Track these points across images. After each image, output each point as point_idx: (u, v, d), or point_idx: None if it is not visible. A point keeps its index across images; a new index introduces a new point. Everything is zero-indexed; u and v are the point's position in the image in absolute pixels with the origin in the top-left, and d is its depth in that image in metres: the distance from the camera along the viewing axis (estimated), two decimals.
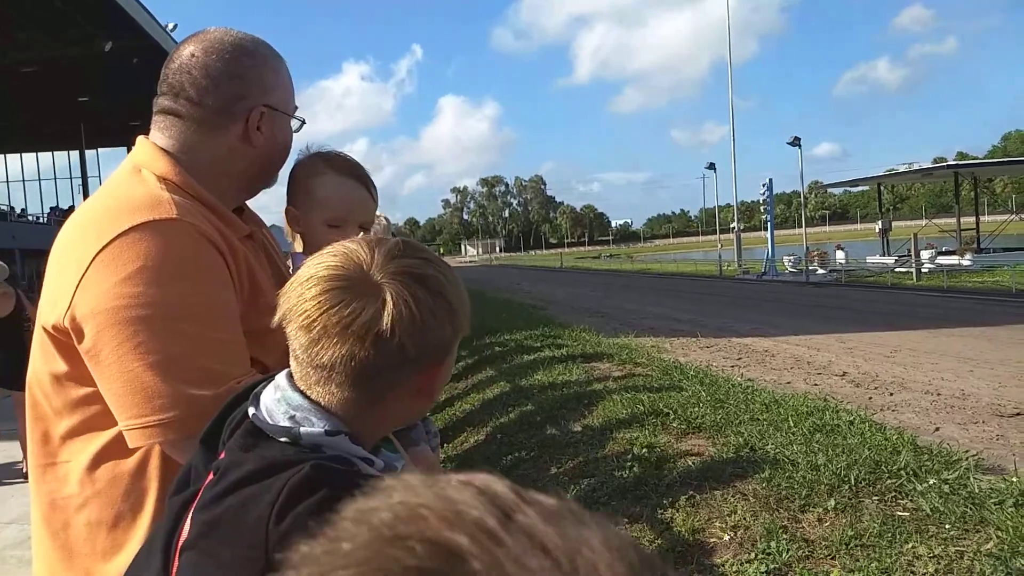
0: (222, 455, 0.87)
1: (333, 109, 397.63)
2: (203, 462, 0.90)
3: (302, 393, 0.84)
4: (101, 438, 1.16)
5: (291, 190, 1.46)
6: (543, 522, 0.36)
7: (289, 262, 1.54)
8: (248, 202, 1.47)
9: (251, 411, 0.86)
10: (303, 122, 1.41)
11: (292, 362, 0.86)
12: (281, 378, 0.88)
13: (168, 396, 1.07)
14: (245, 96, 1.27)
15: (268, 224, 1.63)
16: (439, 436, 3.61)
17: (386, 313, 0.79)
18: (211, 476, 0.86)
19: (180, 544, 0.83)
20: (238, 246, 1.25)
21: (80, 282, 1.10)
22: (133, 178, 1.24)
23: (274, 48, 1.35)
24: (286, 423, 0.83)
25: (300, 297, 0.81)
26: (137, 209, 1.14)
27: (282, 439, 0.82)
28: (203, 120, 1.26)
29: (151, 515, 1.14)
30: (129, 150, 1.35)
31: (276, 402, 0.85)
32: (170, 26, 21.74)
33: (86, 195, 33.47)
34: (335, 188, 1.47)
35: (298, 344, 0.82)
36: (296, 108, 1.39)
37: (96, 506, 1.16)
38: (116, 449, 1.15)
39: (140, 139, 1.31)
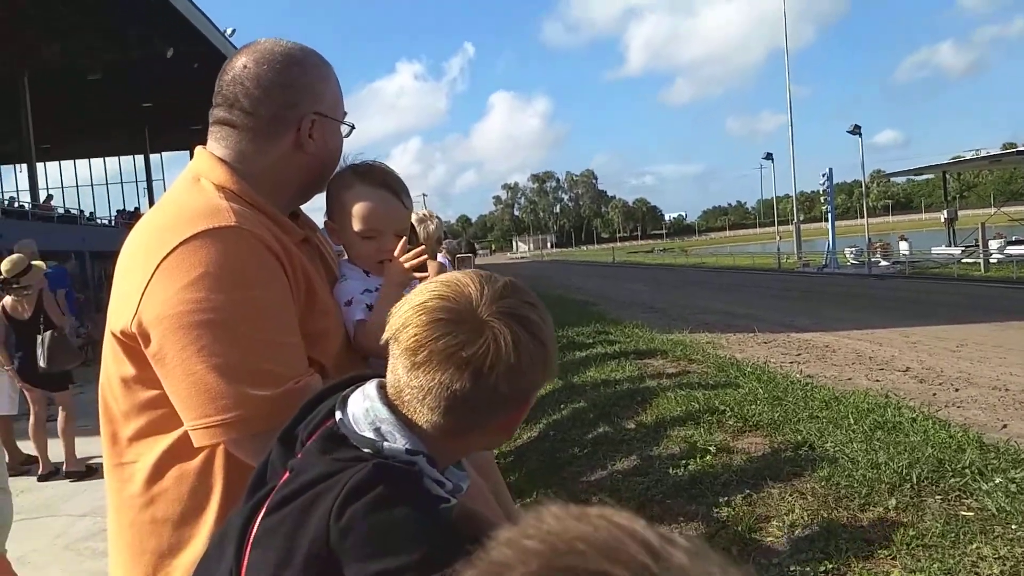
0: (299, 455, 0.92)
1: (387, 109, 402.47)
2: (280, 459, 0.95)
3: (391, 407, 0.90)
4: (166, 439, 1.22)
5: (328, 204, 1.51)
6: (688, 560, 0.41)
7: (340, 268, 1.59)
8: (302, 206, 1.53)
9: (338, 415, 0.91)
10: (352, 127, 1.46)
11: (389, 376, 0.91)
12: (371, 388, 0.92)
13: (231, 397, 1.13)
14: (296, 104, 1.33)
15: (321, 226, 1.69)
16: None
17: (488, 350, 0.83)
18: (286, 475, 0.91)
19: (251, 539, 0.89)
20: (294, 251, 1.31)
21: (146, 289, 1.16)
22: (193, 187, 1.31)
23: (322, 56, 1.41)
24: (370, 434, 0.88)
25: (410, 320, 0.86)
26: (197, 217, 1.20)
27: (365, 449, 0.87)
28: (257, 130, 1.32)
29: (216, 512, 1.20)
30: (191, 154, 1.42)
31: (364, 412, 0.90)
32: (228, 31, 22.35)
33: (151, 198, 34.62)
34: (365, 200, 1.49)
35: (401, 363, 0.87)
36: (346, 114, 1.44)
37: (162, 504, 1.22)
38: (181, 449, 1.21)
39: (198, 149, 1.38)
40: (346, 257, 1.56)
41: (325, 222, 1.53)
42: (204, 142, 1.38)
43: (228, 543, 0.92)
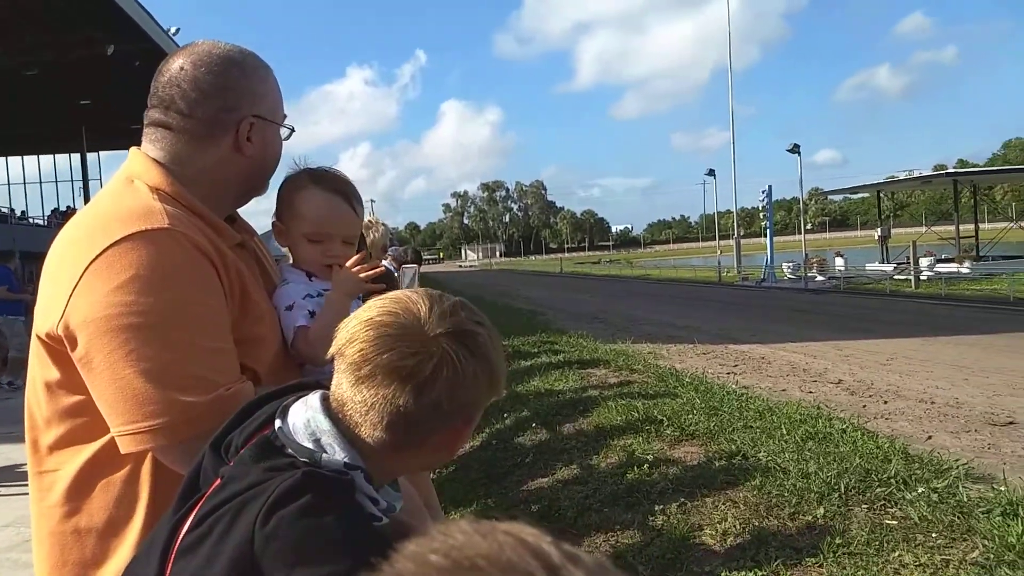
0: (231, 463, 0.90)
1: (337, 114, 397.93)
2: (212, 467, 0.93)
3: (333, 420, 0.88)
4: (90, 448, 1.18)
5: (278, 204, 1.49)
6: None
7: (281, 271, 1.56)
8: (243, 209, 1.49)
9: (278, 423, 0.89)
10: (292, 130, 1.44)
11: (333, 389, 0.90)
12: (314, 399, 0.91)
13: (159, 403, 1.10)
14: (235, 108, 1.31)
15: (262, 231, 1.66)
16: None
17: (432, 367, 0.83)
18: (217, 482, 0.89)
19: (176, 547, 0.86)
20: (229, 255, 1.28)
21: (73, 291, 1.12)
22: (126, 189, 1.27)
23: (261, 58, 1.39)
24: (309, 445, 0.86)
25: (357, 335, 0.86)
26: (129, 219, 1.17)
27: (301, 459, 0.85)
28: (194, 132, 1.30)
29: (143, 522, 1.16)
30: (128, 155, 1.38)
31: (305, 422, 0.88)
32: (172, 30, 21.78)
33: (87, 198, 33.42)
34: (316, 203, 1.48)
35: (345, 377, 0.87)
36: (285, 116, 1.42)
37: (86, 514, 1.18)
38: (107, 457, 1.17)
39: (132, 150, 1.34)
40: (290, 261, 1.53)
41: (273, 222, 1.51)
42: (141, 143, 1.34)
43: (154, 552, 0.89)
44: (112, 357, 1.10)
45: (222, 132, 1.30)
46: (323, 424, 0.87)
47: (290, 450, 0.86)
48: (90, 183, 35.11)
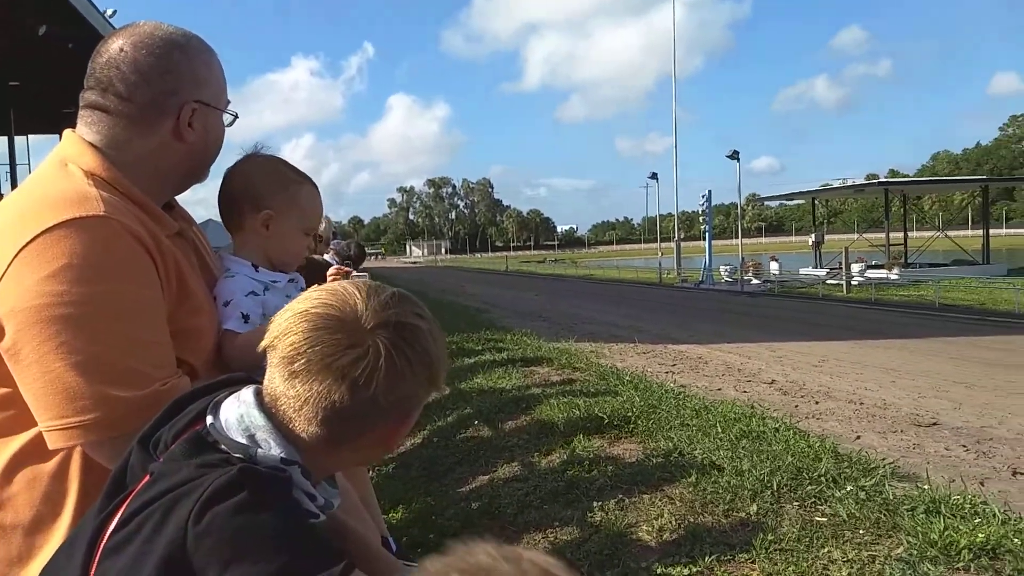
0: (161, 459, 0.86)
1: (280, 103, 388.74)
2: (140, 463, 0.89)
3: (267, 415, 0.85)
4: (16, 441, 1.13)
5: (267, 192, 1.45)
6: None
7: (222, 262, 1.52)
8: (181, 197, 1.45)
9: (209, 419, 0.86)
10: (236, 116, 1.40)
11: (266, 384, 0.87)
12: (248, 393, 0.88)
13: (90, 397, 1.06)
14: (176, 92, 1.26)
15: (205, 219, 1.62)
16: None
17: (368, 360, 0.81)
18: (146, 479, 0.85)
19: (102, 546, 0.82)
20: (167, 244, 1.24)
21: (1, 279, 1.08)
22: (59, 172, 1.22)
23: (206, 42, 1.34)
24: (243, 440, 0.83)
25: (291, 328, 0.83)
26: (63, 205, 1.12)
27: (236, 455, 0.82)
28: (132, 116, 1.25)
29: (71, 518, 1.12)
30: (61, 137, 1.32)
31: (238, 418, 0.85)
32: (109, 12, 20.97)
33: (14, 184, 31.85)
34: (316, 200, 1.53)
35: (278, 371, 0.84)
36: (229, 103, 1.38)
37: (11, 510, 1.13)
38: (34, 451, 1.12)
39: (67, 133, 1.29)
40: (234, 254, 1.49)
41: (264, 211, 1.46)
42: (75, 125, 1.28)
43: (77, 550, 0.85)
44: (41, 349, 1.05)
45: (162, 117, 1.26)
46: (257, 419, 0.85)
47: (223, 446, 0.83)
48: (17, 168, 33.49)
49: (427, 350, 0.86)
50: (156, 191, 1.29)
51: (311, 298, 0.86)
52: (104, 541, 0.82)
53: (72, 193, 1.15)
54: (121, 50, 1.24)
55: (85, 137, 1.25)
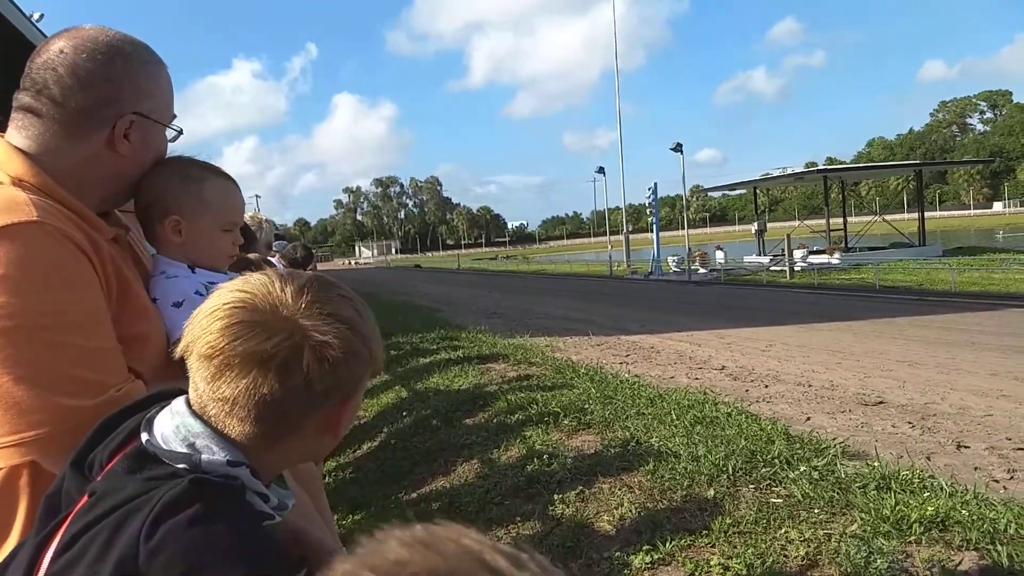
0: (99, 478, 0.82)
1: (222, 107, 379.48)
2: (75, 486, 0.84)
3: (203, 420, 0.81)
4: None
5: (170, 196, 1.38)
6: None
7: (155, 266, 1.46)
8: None
9: (144, 437, 0.81)
10: (180, 132, 1.35)
11: (191, 392, 0.83)
12: (179, 404, 0.84)
13: (43, 410, 1.02)
14: (114, 101, 1.20)
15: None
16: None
17: (292, 347, 0.77)
18: (84, 499, 0.80)
19: (41, 573, 0.77)
20: (105, 248, 1.19)
21: None
22: None
23: (155, 52, 1.28)
24: (184, 450, 0.79)
25: (205, 328, 0.78)
26: None
27: (180, 465, 0.78)
28: (65, 122, 1.18)
29: (19, 538, 1.07)
30: None
31: (174, 429, 0.81)
32: (35, 16, 20.21)
33: None
34: (226, 192, 1.44)
35: (200, 376, 0.79)
36: (175, 117, 1.32)
37: None
38: None
39: None
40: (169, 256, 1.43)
41: (169, 219, 1.39)
42: (5, 129, 1.22)
43: None
44: None
45: (97, 126, 1.20)
46: (195, 427, 0.80)
47: (166, 459, 0.79)
48: None
49: (357, 328, 0.82)
50: (90, 199, 1.23)
51: (223, 293, 0.81)
52: (43, 568, 0.77)
53: (1, 200, 1.09)
54: (61, 52, 1.18)
55: (14, 142, 1.19)
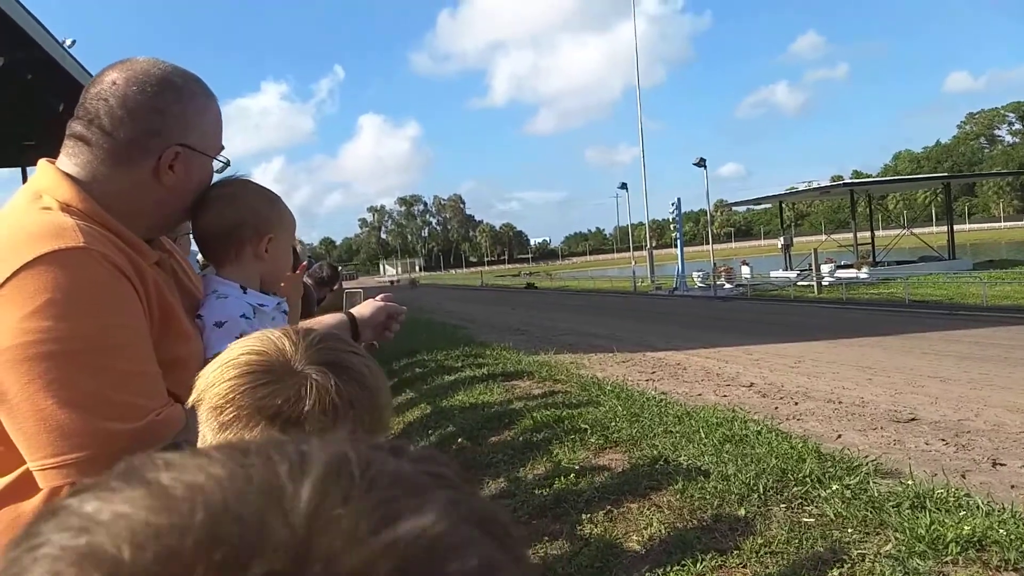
0: None
1: (250, 128, 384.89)
2: None
3: None
4: (2, 481, 1.09)
5: (264, 215, 1.42)
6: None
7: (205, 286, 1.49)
8: None
9: None
10: (227, 163, 1.38)
11: (199, 444, 0.82)
12: None
13: (85, 433, 1.03)
14: (160, 133, 1.23)
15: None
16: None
17: (300, 403, 0.77)
18: None
19: None
20: (149, 272, 1.21)
21: None
22: (34, 205, 1.18)
23: (206, 85, 1.31)
24: None
25: (217, 378, 0.79)
26: (40, 238, 1.08)
27: None
28: (112, 152, 1.22)
29: None
30: (23, 171, 1.28)
31: None
32: (68, 42, 20.75)
33: None
34: (290, 212, 1.50)
35: (208, 427, 0.80)
36: (223, 148, 1.36)
37: None
38: (17, 491, 1.09)
39: (42, 163, 1.25)
40: (216, 275, 1.46)
41: (267, 237, 1.43)
42: (36, 159, 1.26)
43: None
44: (30, 388, 1.02)
45: (143, 156, 1.23)
46: None
47: None
48: None
49: (367, 386, 0.82)
50: (134, 226, 1.26)
51: (236, 347, 0.82)
52: None
53: (49, 225, 1.11)
54: (113, 83, 1.21)
55: (64, 168, 1.22)
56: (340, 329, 1.46)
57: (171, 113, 1.24)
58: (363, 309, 1.58)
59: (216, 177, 1.39)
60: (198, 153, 1.29)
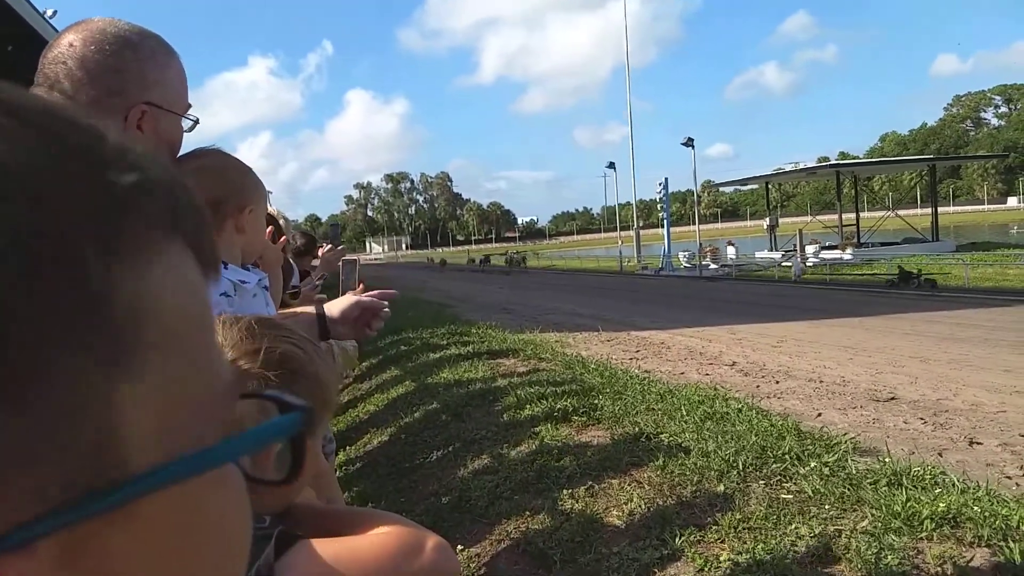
0: None
1: (237, 103, 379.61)
2: None
3: None
4: None
5: (242, 187, 1.39)
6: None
7: None
8: None
9: None
10: (196, 121, 1.34)
11: None
12: None
13: None
14: (122, 92, 1.20)
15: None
16: (335, 442, 3.51)
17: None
18: None
19: None
20: None
21: None
22: None
23: (165, 41, 1.27)
24: None
25: None
26: None
27: None
28: None
29: None
30: None
31: None
32: (48, 12, 20.33)
33: None
34: (261, 181, 1.49)
35: None
36: (190, 106, 1.32)
37: None
38: None
39: None
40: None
41: (246, 208, 1.40)
42: None
43: None
44: None
45: (108, 118, 1.17)
46: None
47: None
48: None
49: (306, 372, 0.81)
50: None
51: None
52: None
53: None
54: (70, 45, 1.18)
55: None
56: (307, 328, 1.41)
57: (130, 71, 1.21)
58: (334, 307, 1.50)
59: (186, 137, 1.36)
60: (165, 111, 1.26)
